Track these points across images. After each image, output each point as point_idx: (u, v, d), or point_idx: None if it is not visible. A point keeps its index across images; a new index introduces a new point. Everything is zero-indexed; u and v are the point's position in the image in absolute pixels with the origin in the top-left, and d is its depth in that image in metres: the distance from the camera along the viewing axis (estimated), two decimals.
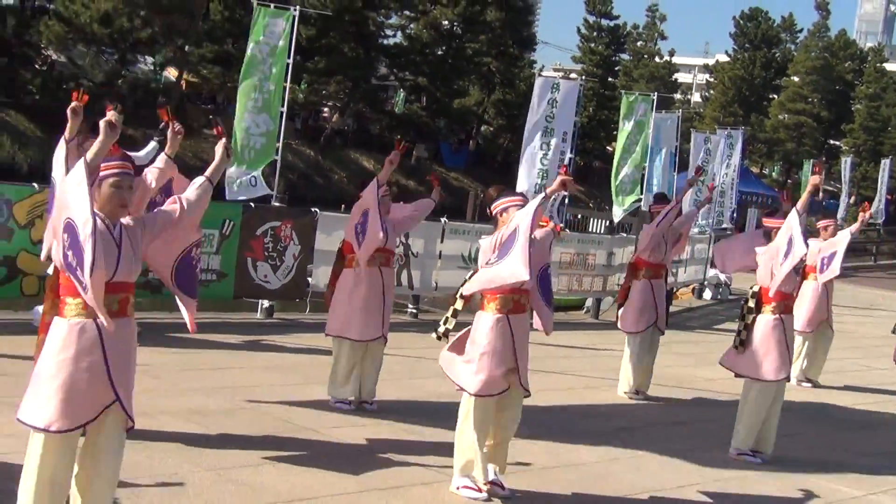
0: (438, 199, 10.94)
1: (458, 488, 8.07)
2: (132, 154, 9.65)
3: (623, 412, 11.98)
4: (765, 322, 10.21)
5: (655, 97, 22.58)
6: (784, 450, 10.47)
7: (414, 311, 17.25)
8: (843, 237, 14.68)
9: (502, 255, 7.72)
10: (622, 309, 12.86)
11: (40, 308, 7.58)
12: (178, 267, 6.46)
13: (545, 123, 18.24)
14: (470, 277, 8.18)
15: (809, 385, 14.82)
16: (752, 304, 10.26)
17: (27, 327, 11.43)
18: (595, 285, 19.57)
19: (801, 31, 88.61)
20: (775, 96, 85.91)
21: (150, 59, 51.71)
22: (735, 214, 26.62)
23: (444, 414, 10.15)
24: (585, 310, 20.84)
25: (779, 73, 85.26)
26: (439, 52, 62.50)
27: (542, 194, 7.87)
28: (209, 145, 5.96)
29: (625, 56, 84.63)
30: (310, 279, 15.26)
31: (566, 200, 19.12)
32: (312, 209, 15.61)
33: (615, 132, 24.60)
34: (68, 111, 7.63)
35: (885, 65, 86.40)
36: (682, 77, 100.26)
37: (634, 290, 12.68)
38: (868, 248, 43.84)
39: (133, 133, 10.31)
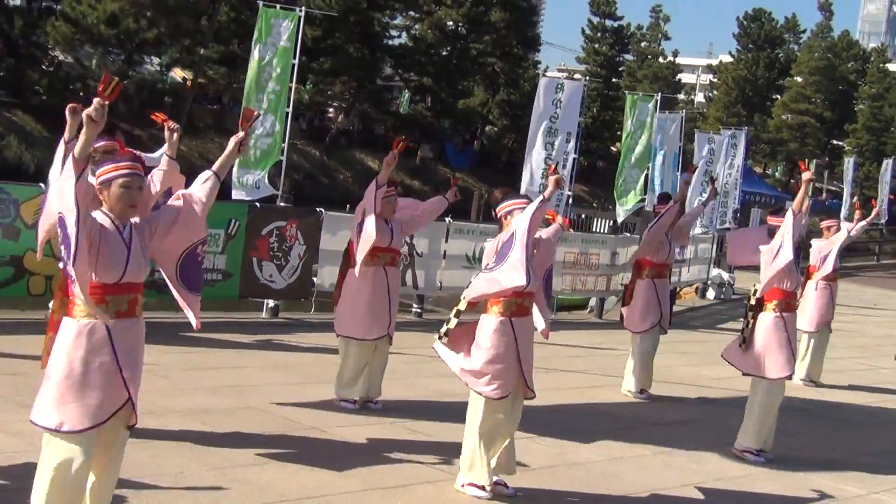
0: (453, 200, 10.84)
1: (462, 486, 8.11)
2: (148, 155, 9.69)
3: (626, 411, 11.99)
4: (766, 320, 10.26)
5: (659, 97, 22.60)
6: (786, 449, 10.49)
7: (418, 310, 17.25)
8: (839, 236, 14.74)
9: (500, 261, 7.75)
10: (627, 308, 12.92)
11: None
12: (183, 262, 6.42)
13: (549, 124, 18.30)
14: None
15: (812, 384, 14.86)
16: (753, 302, 10.31)
17: (35, 327, 11.38)
18: (599, 285, 19.58)
19: (804, 31, 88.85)
20: (778, 97, 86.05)
21: (156, 60, 51.73)
22: (738, 214, 26.68)
23: (448, 413, 10.26)
24: (589, 309, 20.92)
25: (782, 73, 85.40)
26: (444, 53, 62.58)
27: (540, 198, 7.88)
28: (215, 146, 5.95)
29: (629, 57, 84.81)
30: (315, 279, 15.28)
31: (570, 200, 19.23)
32: (318, 209, 15.60)
33: (619, 132, 24.71)
34: (67, 111, 7.53)
35: (887, 65, 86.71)
36: (685, 77, 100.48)
37: (638, 289, 12.74)
38: (871, 248, 43.96)
39: (140, 133, 10.26)
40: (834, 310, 15.30)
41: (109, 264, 5.87)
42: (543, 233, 8.54)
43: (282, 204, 15.83)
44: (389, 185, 10.56)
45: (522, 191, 17.63)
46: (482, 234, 16.74)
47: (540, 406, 10.18)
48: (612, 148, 69.71)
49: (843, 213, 32.10)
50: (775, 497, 9.24)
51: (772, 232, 10.32)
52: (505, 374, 7.99)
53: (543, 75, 20.59)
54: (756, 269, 10.56)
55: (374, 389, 10.47)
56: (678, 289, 22.53)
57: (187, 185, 6.57)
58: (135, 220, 6.10)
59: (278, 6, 15.76)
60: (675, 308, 17.35)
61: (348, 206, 14.06)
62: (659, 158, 22.39)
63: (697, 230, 22.41)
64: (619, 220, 22.72)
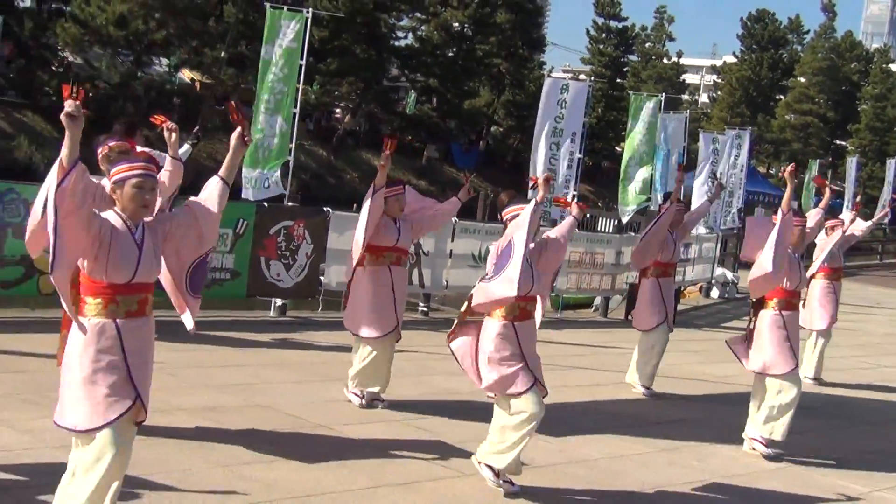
0: (466, 199, 10.77)
1: (478, 463, 8.17)
2: (165, 155, 9.86)
3: (631, 409, 12.01)
4: (766, 318, 10.33)
5: (663, 98, 22.69)
6: (790, 446, 10.52)
7: (425, 309, 17.28)
8: (834, 237, 14.60)
9: (498, 270, 7.77)
10: (635, 307, 13.11)
11: None
12: (194, 267, 6.38)
13: (555, 124, 18.37)
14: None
15: (815, 382, 14.91)
16: (754, 299, 10.41)
17: (44, 325, 11.46)
18: (604, 284, 19.63)
19: (807, 32, 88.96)
20: (782, 97, 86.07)
21: (164, 61, 51.79)
22: (742, 214, 26.80)
23: (454, 411, 10.39)
24: (594, 308, 20.97)
25: (785, 73, 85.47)
26: (450, 54, 62.54)
27: (533, 202, 7.88)
28: (223, 147, 6.03)
29: (633, 57, 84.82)
30: (322, 278, 15.31)
31: (575, 198, 19.48)
32: (325, 209, 15.61)
33: (623, 132, 24.83)
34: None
35: (890, 65, 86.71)
36: (689, 78, 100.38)
37: (643, 288, 12.87)
38: (874, 248, 43.97)
39: (148, 134, 10.36)
40: (837, 308, 15.34)
41: (120, 264, 5.91)
42: (553, 232, 8.59)
43: (289, 204, 15.87)
44: (397, 184, 10.64)
45: (529, 191, 17.85)
46: (488, 233, 16.82)
47: (545, 404, 10.25)
48: (617, 148, 69.66)
49: (845, 212, 32.26)
50: (779, 494, 9.28)
51: None
52: (520, 371, 7.99)
53: (548, 76, 20.65)
54: None
55: (380, 388, 10.50)
56: (682, 288, 22.52)
57: (196, 192, 6.50)
58: (148, 219, 6.12)
59: (285, 7, 15.80)
60: (679, 307, 17.44)
61: (355, 205, 14.13)
62: (663, 158, 22.43)
63: (701, 230, 22.53)
64: (624, 219, 22.74)
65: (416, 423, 10.03)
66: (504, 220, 8.22)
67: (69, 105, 5.57)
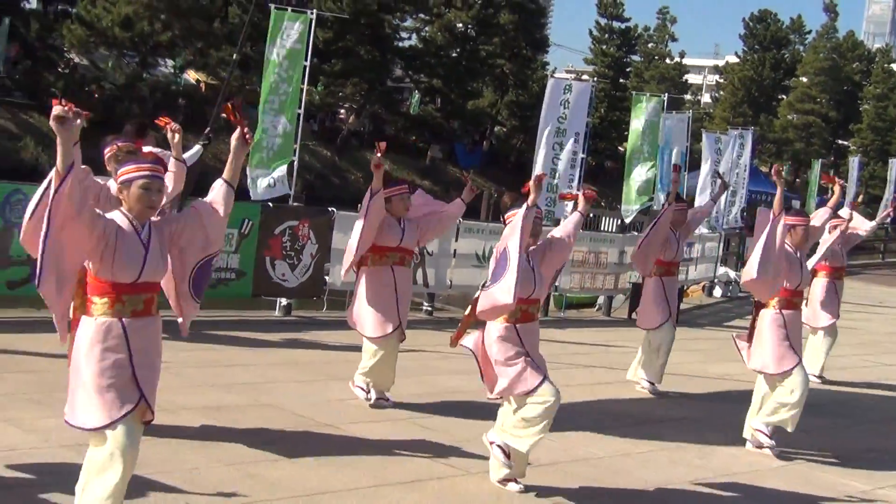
0: (470, 199, 10.74)
1: (491, 443, 8.22)
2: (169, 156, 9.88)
3: (633, 408, 12.04)
4: (767, 317, 10.34)
5: (666, 98, 22.76)
6: (793, 444, 10.57)
7: (429, 308, 17.34)
8: (830, 237, 14.53)
9: (496, 279, 7.78)
10: (639, 306, 13.17)
11: None
12: (198, 270, 6.39)
13: (558, 124, 18.38)
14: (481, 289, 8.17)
15: (819, 381, 14.85)
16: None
17: (50, 325, 10.96)
18: (607, 283, 19.71)
19: (809, 32, 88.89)
20: (784, 97, 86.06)
21: (170, 62, 51.79)
22: (745, 213, 26.86)
23: (459, 410, 10.46)
24: (597, 307, 21.02)
25: (788, 73, 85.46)
26: (453, 55, 62.49)
27: (524, 206, 7.87)
28: (228, 147, 6.04)
29: (636, 58, 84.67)
30: (327, 277, 15.39)
31: (577, 204, 19.50)
32: (329, 209, 15.72)
33: (626, 133, 24.91)
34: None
35: (892, 65, 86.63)
36: (692, 78, 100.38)
37: (647, 287, 12.89)
38: (876, 246, 43.87)
39: (154, 135, 10.43)
40: (839, 307, 15.33)
41: (126, 264, 5.95)
42: (559, 231, 8.63)
43: (294, 204, 15.92)
44: (402, 184, 10.70)
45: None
46: (492, 233, 16.82)
47: None
48: (620, 148, 69.60)
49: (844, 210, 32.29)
50: (782, 492, 9.31)
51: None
52: (523, 369, 8.02)
53: (552, 76, 20.61)
54: None
55: (385, 387, 10.54)
56: (685, 287, 22.58)
57: (203, 194, 6.48)
58: (154, 219, 6.16)
59: (290, 9, 15.84)
60: (682, 306, 17.44)
61: (359, 205, 14.20)
62: (666, 158, 22.32)
63: (704, 229, 22.61)
64: (628, 219, 22.84)
65: (421, 422, 10.07)
66: (506, 221, 8.22)
67: (57, 108, 5.62)
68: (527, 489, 8.23)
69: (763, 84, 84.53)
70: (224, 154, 6.26)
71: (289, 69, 15.45)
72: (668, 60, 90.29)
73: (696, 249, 22.47)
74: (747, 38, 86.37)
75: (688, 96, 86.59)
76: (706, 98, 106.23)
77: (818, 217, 11.73)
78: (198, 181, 9.82)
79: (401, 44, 61.12)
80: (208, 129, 9.68)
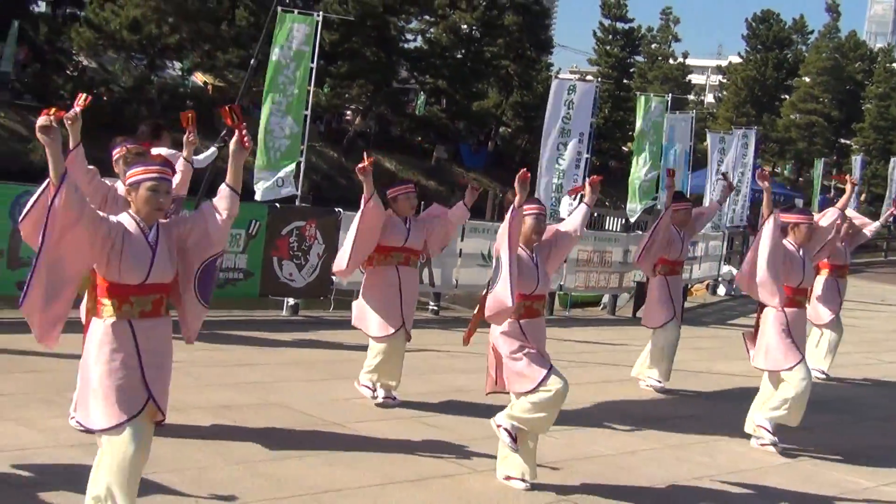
0: (472, 201, 10.66)
1: (497, 426, 8.25)
2: (195, 157, 9.93)
3: (639, 406, 12.04)
4: (770, 315, 10.34)
5: (670, 98, 22.90)
6: (797, 441, 10.58)
7: (435, 308, 17.37)
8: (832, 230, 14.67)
9: (493, 283, 7.89)
10: (644, 305, 13.22)
11: None
12: (202, 272, 6.34)
13: (562, 125, 18.40)
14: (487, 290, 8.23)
15: (823, 377, 14.92)
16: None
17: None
18: (612, 282, 19.79)
19: (811, 32, 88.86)
20: (787, 96, 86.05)
21: (177, 65, 51.85)
22: (749, 212, 26.93)
23: (465, 408, 10.49)
24: (602, 306, 21.16)
25: (790, 73, 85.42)
26: (458, 56, 62.54)
27: (512, 207, 7.94)
28: None
29: (639, 58, 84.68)
30: (334, 277, 15.14)
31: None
32: (336, 209, 15.76)
33: (630, 133, 25.07)
34: (65, 120, 7.42)
35: (894, 65, 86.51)
36: (695, 78, 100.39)
37: (652, 285, 12.91)
38: (878, 245, 43.85)
39: (170, 135, 10.44)
40: (841, 305, 15.31)
41: (133, 266, 5.96)
42: (566, 225, 8.74)
43: (301, 204, 15.96)
44: (408, 184, 10.73)
45: (539, 191, 18.00)
46: (497, 232, 16.85)
47: None
48: (624, 148, 69.83)
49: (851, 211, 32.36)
50: (787, 489, 9.31)
51: (784, 228, 10.36)
52: (535, 362, 8.08)
53: (556, 77, 20.69)
54: None
55: (392, 386, 10.52)
56: (689, 285, 22.65)
57: (214, 194, 6.40)
58: (163, 221, 6.17)
59: (296, 11, 15.91)
60: (686, 304, 17.50)
61: None
62: (670, 158, 22.52)
63: (708, 228, 22.69)
64: (632, 218, 22.94)
65: (427, 421, 10.09)
66: None
67: (42, 119, 5.64)
68: (532, 486, 8.24)
69: (766, 84, 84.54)
70: (227, 154, 6.33)
71: (296, 71, 15.49)
72: (671, 61, 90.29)
73: (699, 248, 22.57)
74: (750, 38, 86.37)
75: (691, 96, 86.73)
76: (709, 98, 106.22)
77: (826, 217, 11.70)
78: (213, 182, 9.91)
79: (406, 45, 61.20)
80: (224, 132, 9.74)
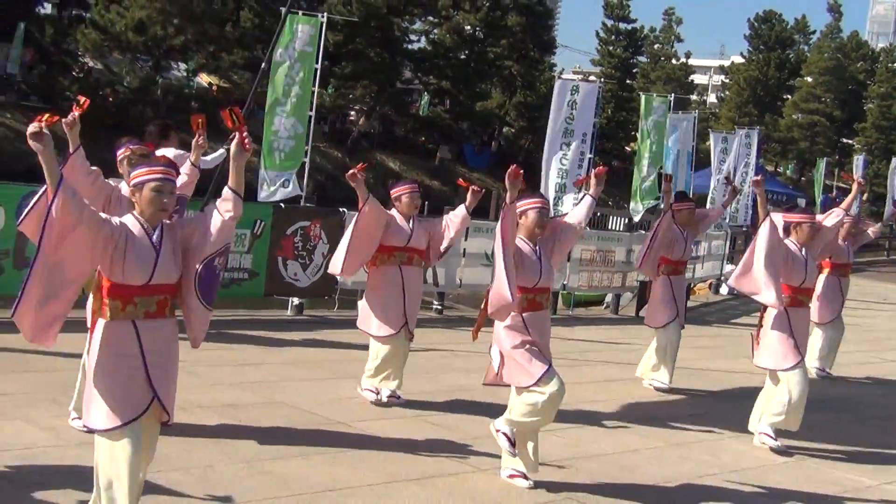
0: (474, 204, 10.50)
1: (496, 431, 8.27)
2: (204, 159, 9.94)
3: (642, 405, 12.05)
4: (772, 314, 10.36)
5: (672, 98, 22.91)
6: (800, 440, 10.60)
7: (439, 307, 17.39)
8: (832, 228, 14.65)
9: (493, 280, 7.96)
10: (647, 305, 13.26)
11: None
12: (203, 272, 6.28)
13: (565, 125, 18.42)
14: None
15: (825, 375, 14.99)
16: None
17: (68, 325, 10.29)
18: (615, 281, 19.84)
19: (814, 32, 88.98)
20: (789, 96, 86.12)
21: (182, 66, 51.86)
22: (751, 212, 26.95)
23: (468, 407, 10.50)
24: (605, 305, 21.21)
25: (792, 73, 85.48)
26: (462, 57, 62.58)
27: (504, 205, 7.91)
28: (252, 151, 6.12)
29: (642, 58, 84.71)
30: (338, 277, 15.11)
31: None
32: (340, 209, 15.70)
33: (633, 133, 25.14)
34: (64, 124, 7.47)
35: None
36: (698, 78, 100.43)
37: (655, 285, 12.95)
38: (881, 244, 43.85)
39: (178, 136, 10.47)
40: (842, 304, 15.33)
41: (137, 267, 5.97)
42: (571, 217, 8.78)
43: (305, 204, 16.00)
44: (412, 183, 10.78)
45: (542, 191, 17.92)
46: None
47: None
48: (627, 148, 69.83)
49: (853, 210, 32.38)
50: (789, 487, 9.31)
51: (786, 227, 10.41)
52: (535, 359, 8.08)
53: (559, 78, 20.76)
54: None
55: (395, 385, 10.51)
56: (692, 285, 22.70)
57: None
58: (167, 221, 6.16)
59: (301, 12, 15.93)
60: (689, 304, 17.48)
61: None
62: (673, 158, 22.66)
63: (711, 228, 22.72)
64: (636, 218, 22.96)
65: (431, 420, 10.11)
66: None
67: (32, 126, 5.67)
68: (536, 485, 8.25)
69: (768, 84, 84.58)
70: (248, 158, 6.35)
71: (300, 72, 15.53)
72: (674, 61, 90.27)
73: (702, 247, 22.57)
74: (752, 38, 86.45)
75: (694, 96, 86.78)
76: (712, 98, 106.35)
77: (831, 217, 11.64)
78: (220, 183, 9.95)
79: (410, 46, 61.27)
80: (233, 133, 9.77)
